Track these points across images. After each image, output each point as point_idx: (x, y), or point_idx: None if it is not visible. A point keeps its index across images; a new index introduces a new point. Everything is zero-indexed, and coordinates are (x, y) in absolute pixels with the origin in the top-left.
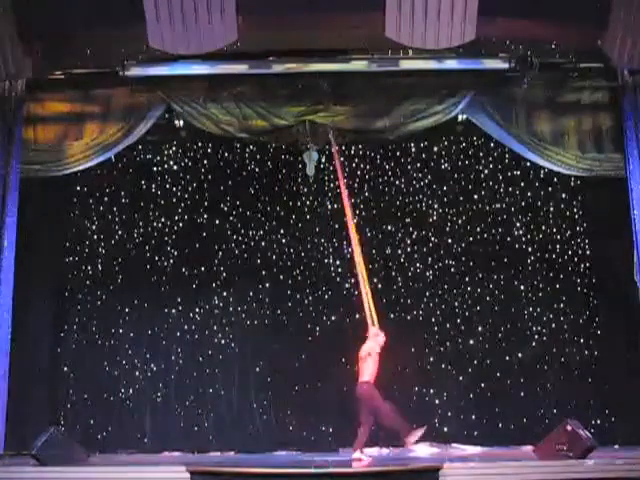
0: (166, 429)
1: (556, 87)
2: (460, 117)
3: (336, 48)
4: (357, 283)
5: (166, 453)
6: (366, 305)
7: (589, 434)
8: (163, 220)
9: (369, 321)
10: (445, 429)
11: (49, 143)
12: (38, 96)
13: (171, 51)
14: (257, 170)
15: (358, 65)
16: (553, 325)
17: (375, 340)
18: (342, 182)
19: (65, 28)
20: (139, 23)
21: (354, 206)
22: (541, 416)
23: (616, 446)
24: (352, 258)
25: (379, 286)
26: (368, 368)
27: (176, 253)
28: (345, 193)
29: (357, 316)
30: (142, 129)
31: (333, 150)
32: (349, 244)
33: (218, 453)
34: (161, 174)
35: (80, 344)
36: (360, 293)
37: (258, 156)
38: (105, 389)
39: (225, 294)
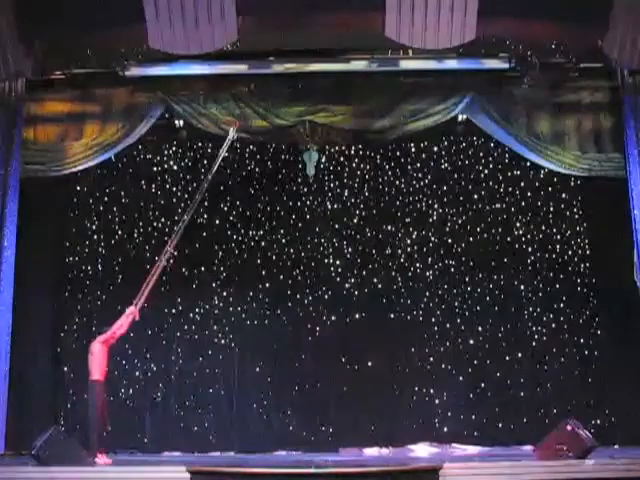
0: (166, 429)
1: (556, 87)
2: (460, 117)
3: (336, 48)
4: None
5: (166, 453)
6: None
7: (589, 434)
8: (163, 220)
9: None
10: (445, 429)
11: (49, 143)
12: (38, 96)
13: (171, 51)
14: (257, 170)
15: (358, 65)
16: (553, 325)
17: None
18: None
19: (65, 28)
20: (139, 23)
21: (354, 206)
22: (541, 416)
23: (616, 446)
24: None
25: (379, 286)
26: (101, 365)
27: (176, 253)
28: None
29: (357, 316)
30: (142, 129)
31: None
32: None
33: (218, 453)
34: (161, 174)
35: (80, 344)
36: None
37: (258, 156)
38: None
39: (225, 294)
